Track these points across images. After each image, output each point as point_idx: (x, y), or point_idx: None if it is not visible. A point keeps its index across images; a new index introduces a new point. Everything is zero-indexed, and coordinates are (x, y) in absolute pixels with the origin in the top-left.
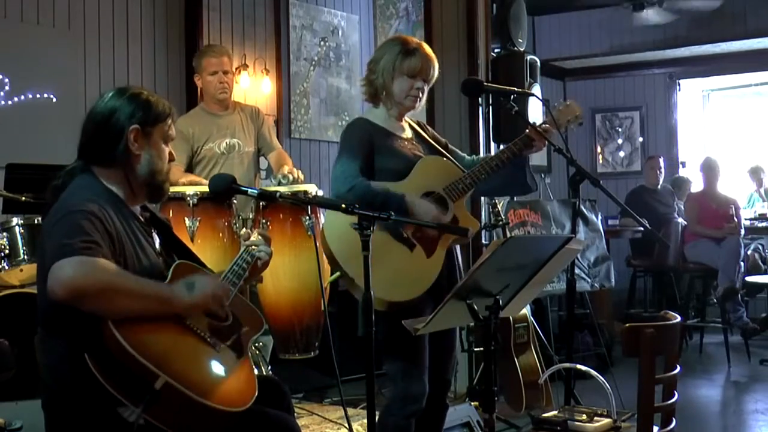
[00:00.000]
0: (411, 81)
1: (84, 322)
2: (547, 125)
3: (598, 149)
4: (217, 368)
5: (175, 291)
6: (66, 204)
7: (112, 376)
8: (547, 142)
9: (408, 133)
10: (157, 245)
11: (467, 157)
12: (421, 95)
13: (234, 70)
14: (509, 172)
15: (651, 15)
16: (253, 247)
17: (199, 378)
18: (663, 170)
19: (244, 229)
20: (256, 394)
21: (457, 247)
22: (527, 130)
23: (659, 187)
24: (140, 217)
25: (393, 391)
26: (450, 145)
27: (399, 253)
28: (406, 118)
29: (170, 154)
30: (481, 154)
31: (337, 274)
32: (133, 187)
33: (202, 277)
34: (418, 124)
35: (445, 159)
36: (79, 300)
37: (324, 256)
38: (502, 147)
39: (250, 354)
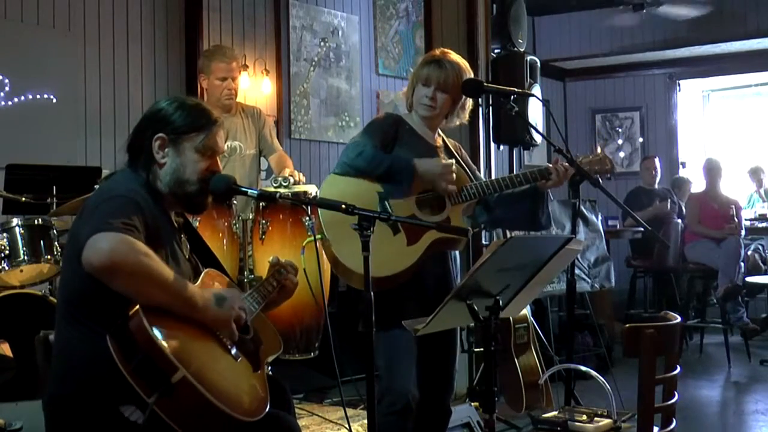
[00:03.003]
0: (424, 89)
1: (112, 306)
2: (569, 165)
3: (598, 149)
4: (234, 376)
5: (205, 299)
6: (110, 189)
7: (130, 362)
8: (565, 180)
9: (438, 143)
10: (187, 251)
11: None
12: (432, 103)
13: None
14: (525, 205)
15: (627, 19)
16: (280, 274)
17: (215, 381)
18: (659, 170)
19: (272, 256)
20: (267, 409)
21: (457, 255)
22: (550, 163)
23: (656, 187)
24: (174, 222)
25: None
26: (477, 173)
27: (381, 231)
28: (442, 134)
29: (212, 165)
30: (481, 157)
31: (319, 236)
32: (163, 197)
33: (232, 293)
34: (455, 146)
35: (459, 167)
36: (111, 274)
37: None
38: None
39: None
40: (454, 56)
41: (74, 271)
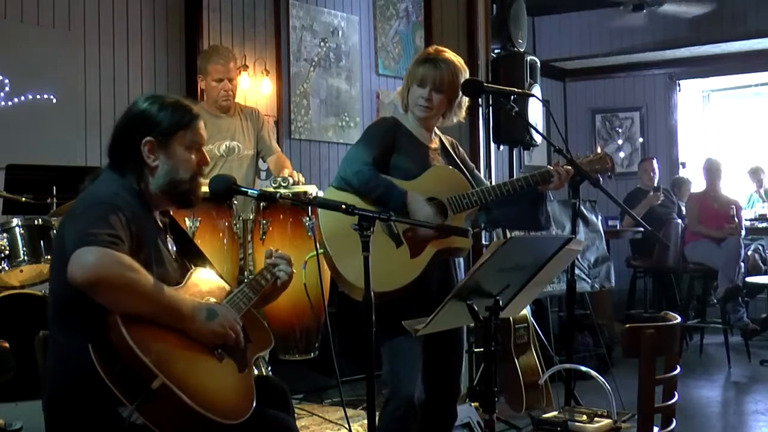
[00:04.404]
0: (419, 90)
1: (95, 314)
2: (570, 167)
3: (599, 150)
4: (217, 379)
5: (194, 312)
6: (94, 195)
7: (111, 370)
8: (566, 182)
9: (435, 144)
10: (174, 251)
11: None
12: (428, 104)
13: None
14: (525, 206)
15: (627, 19)
16: (274, 266)
17: (197, 385)
18: (657, 171)
19: (268, 248)
20: (253, 409)
21: (460, 261)
22: (550, 166)
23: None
24: (159, 223)
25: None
26: (476, 171)
27: (383, 245)
28: (438, 132)
29: (201, 159)
30: (481, 158)
31: (321, 250)
32: (152, 197)
33: (224, 309)
34: (451, 143)
35: (459, 174)
36: (95, 289)
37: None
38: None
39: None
40: (449, 54)
41: (61, 276)
